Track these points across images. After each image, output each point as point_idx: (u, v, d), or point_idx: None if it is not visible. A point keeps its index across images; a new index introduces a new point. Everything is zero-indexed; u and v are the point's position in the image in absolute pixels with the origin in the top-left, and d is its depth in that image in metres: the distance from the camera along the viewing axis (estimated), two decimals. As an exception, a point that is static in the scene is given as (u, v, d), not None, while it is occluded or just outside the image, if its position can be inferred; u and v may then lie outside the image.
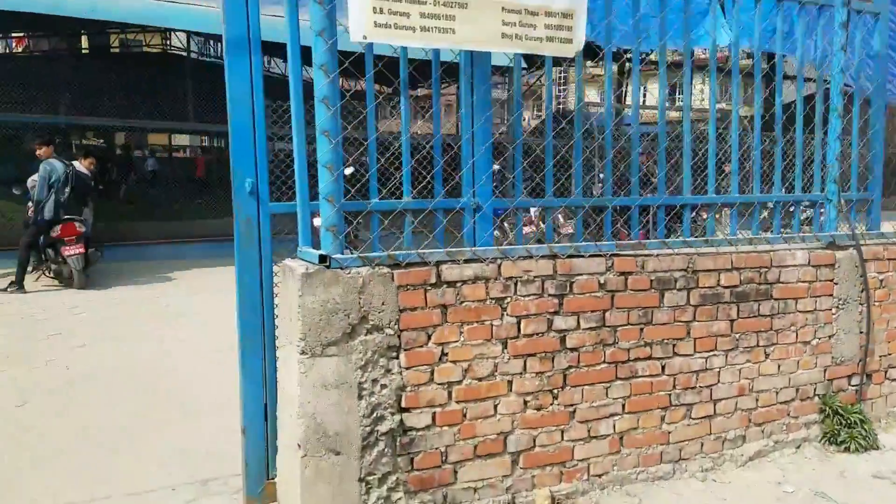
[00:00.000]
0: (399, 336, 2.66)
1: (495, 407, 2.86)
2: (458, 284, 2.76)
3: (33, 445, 3.72)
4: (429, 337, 2.72)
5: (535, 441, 2.94)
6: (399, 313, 2.66)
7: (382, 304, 2.62)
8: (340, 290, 2.54)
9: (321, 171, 2.56)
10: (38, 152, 8.16)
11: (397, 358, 2.66)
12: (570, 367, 3.00)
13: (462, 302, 2.77)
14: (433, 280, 2.72)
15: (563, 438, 3.01)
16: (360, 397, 2.60)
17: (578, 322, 3.00)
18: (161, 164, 15.64)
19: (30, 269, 8.33)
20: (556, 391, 2.97)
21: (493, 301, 2.83)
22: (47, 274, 8.63)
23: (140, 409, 4.25)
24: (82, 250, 8.14)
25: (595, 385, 3.07)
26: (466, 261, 2.78)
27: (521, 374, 2.89)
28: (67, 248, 8.07)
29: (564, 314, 2.97)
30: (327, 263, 2.54)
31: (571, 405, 3.01)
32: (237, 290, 2.74)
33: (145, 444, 3.74)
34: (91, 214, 9.13)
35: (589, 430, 3.07)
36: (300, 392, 2.51)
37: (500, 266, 2.83)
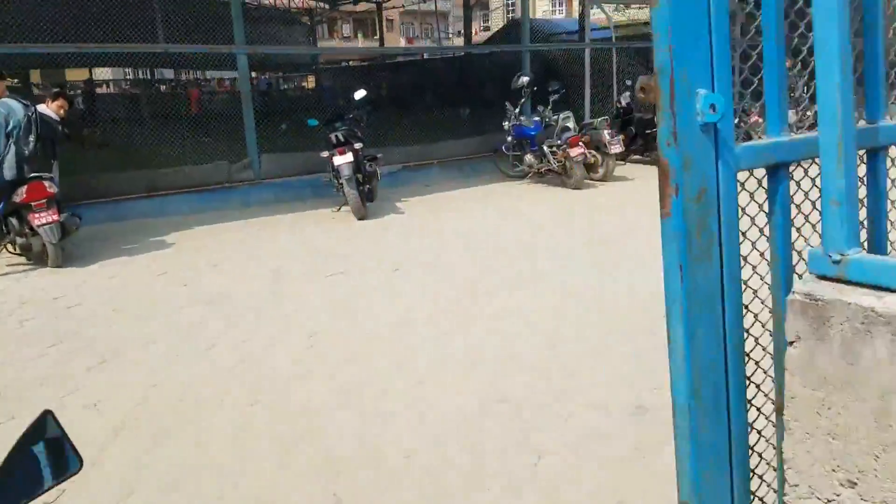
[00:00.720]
0: None
1: None
2: None
3: None
4: None
5: None
6: None
7: None
8: None
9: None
10: (-15, 90, 6.10)
11: None
12: None
13: None
14: None
15: None
16: None
17: None
18: (133, 101, 13.31)
19: (-15, 245, 6.41)
20: None
21: None
22: (10, 250, 6.69)
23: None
24: (56, 217, 6.23)
25: None
26: None
27: None
28: (37, 215, 6.15)
29: None
30: None
31: None
32: (678, 367, 1.11)
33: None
34: (57, 170, 7.15)
35: None
36: None
37: None
